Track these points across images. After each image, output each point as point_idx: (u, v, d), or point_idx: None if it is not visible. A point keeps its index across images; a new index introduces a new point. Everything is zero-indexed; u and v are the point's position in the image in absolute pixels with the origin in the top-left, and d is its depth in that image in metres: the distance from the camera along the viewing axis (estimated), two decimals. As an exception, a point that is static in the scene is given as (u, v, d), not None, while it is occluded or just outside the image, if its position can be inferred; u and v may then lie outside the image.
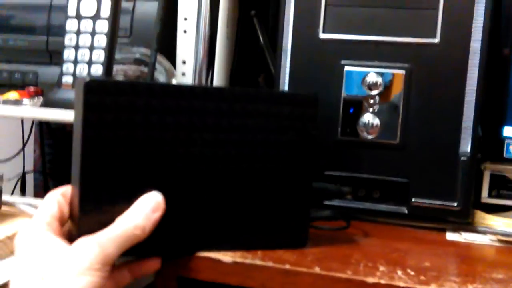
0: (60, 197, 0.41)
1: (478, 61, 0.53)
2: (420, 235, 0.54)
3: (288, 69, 0.57)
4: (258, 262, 0.43)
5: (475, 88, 0.53)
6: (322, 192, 0.54)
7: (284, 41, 0.57)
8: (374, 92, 0.55)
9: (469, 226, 0.56)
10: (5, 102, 0.56)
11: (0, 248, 0.46)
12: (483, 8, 0.53)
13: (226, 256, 0.44)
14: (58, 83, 0.52)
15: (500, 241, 0.53)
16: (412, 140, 0.55)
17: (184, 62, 0.67)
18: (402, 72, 0.55)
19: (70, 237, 0.40)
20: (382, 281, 0.41)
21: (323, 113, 0.54)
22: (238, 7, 0.71)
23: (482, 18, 0.53)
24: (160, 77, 0.62)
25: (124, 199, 0.40)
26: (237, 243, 0.45)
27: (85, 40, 0.51)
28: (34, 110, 0.53)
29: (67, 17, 0.52)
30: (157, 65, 0.61)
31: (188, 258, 0.44)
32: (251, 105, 0.44)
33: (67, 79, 0.51)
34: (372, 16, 0.55)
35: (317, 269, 0.42)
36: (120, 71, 0.60)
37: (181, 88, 0.44)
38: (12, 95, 0.57)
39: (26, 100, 0.56)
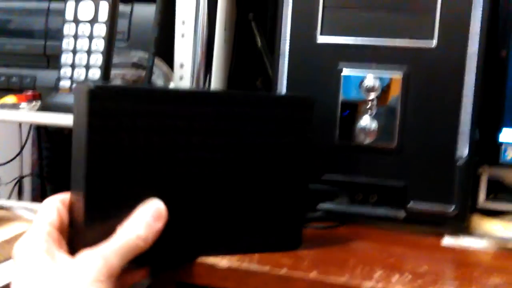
0: (60, 204, 0.41)
1: (475, 65, 0.53)
2: (417, 240, 0.54)
3: (285, 72, 0.57)
4: (255, 266, 0.43)
5: (472, 92, 0.53)
6: (316, 193, 0.54)
7: (282, 45, 0.57)
8: (372, 96, 0.55)
9: (466, 230, 0.56)
10: (3, 106, 0.56)
11: (-3, 252, 0.46)
12: (480, 12, 0.53)
13: (223, 261, 0.44)
14: (56, 87, 0.52)
15: (497, 245, 0.53)
16: (409, 144, 0.55)
17: (182, 66, 0.67)
18: (399, 75, 0.55)
19: (71, 246, 0.40)
20: (379, 286, 0.41)
21: (321, 117, 0.55)
22: (236, 10, 0.71)
23: (480, 22, 0.53)
24: (158, 80, 0.62)
25: (128, 206, 0.40)
26: (234, 247, 0.45)
27: (82, 44, 0.51)
28: (31, 114, 0.53)
29: (64, 21, 0.52)
30: (155, 69, 0.61)
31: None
32: (249, 109, 0.45)
33: (65, 83, 0.51)
34: (370, 19, 0.55)
35: (314, 274, 0.42)
36: (118, 75, 0.60)
37: (181, 92, 0.44)
38: (10, 99, 0.57)
39: (23, 104, 0.56)
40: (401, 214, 0.56)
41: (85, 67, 0.51)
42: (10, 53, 0.72)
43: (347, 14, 0.56)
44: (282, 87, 0.57)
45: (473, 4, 0.53)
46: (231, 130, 0.44)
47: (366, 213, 0.57)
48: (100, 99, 0.38)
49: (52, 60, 0.69)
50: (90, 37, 0.51)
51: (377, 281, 0.41)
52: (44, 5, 0.70)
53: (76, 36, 0.51)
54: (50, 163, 0.91)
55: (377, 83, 0.55)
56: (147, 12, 0.66)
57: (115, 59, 0.58)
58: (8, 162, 0.84)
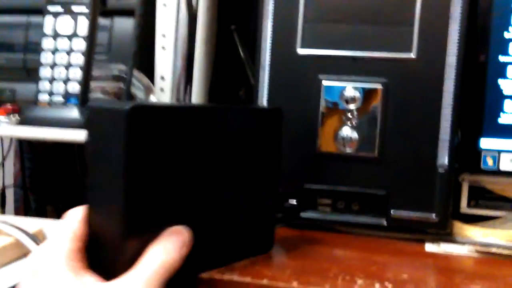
0: (82, 218, 0.38)
1: (454, 74, 0.54)
2: (399, 247, 0.54)
3: (267, 84, 0.58)
4: (236, 278, 0.43)
5: (451, 101, 0.54)
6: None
7: (263, 57, 0.58)
8: (352, 106, 0.56)
9: (448, 237, 0.56)
10: (-18, 120, 0.55)
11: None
12: (458, 23, 0.53)
13: (203, 273, 0.44)
14: (35, 101, 0.52)
15: (478, 251, 0.53)
16: (390, 153, 0.55)
17: (162, 78, 0.67)
18: (379, 86, 0.55)
19: (95, 264, 0.37)
20: (360, 295, 0.41)
21: (302, 127, 0.55)
22: (217, 22, 0.71)
23: (458, 33, 0.53)
24: (139, 93, 0.62)
25: (161, 226, 0.39)
26: (217, 261, 0.45)
27: (61, 58, 0.51)
28: (10, 128, 0.53)
29: (43, 35, 0.52)
30: (135, 82, 0.61)
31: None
32: (236, 123, 0.45)
33: (44, 97, 0.51)
34: (349, 32, 0.56)
35: (295, 284, 0.42)
36: (98, 88, 0.60)
37: (206, 108, 0.45)
38: (-11, 112, 0.57)
39: (2, 118, 0.56)
40: (383, 222, 0.56)
41: (64, 81, 0.51)
42: (-10, 67, 0.72)
43: (327, 27, 0.56)
44: (263, 99, 0.58)
45: (450, 15, 0.54)
46: (221, 144, 0.44)
47: (348, 221, 0.57)
48: (139, 119, 0.37)
49: (32, 73, 0.69)
50: (69, 51, 0.51)
51: (358, 291, 0.42)
52: (24, 19, 0.70)
53: (55, 51, 0.51)
54: (32, 173, 0.90)
55: (357, 94, 0.56)
56: (127, 25, 0.66)
57: (96, 72, 0.58)
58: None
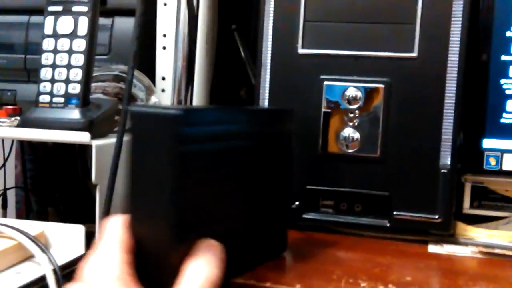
0: (128, 229, 0.36)
1: (456, 74, 0.53)
2: (402, 248, 0.54)
3: (268, 84, 0.57)
4: (240, 280, 0.43)
5: (453, 100, 0.54)
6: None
7: (264, 56, 0.57)
8: (354, 106, 0.55)
9: (451, 238, 0.56)
10: (-18, 121, 0.55)
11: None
12: (460, 22, 0.53)
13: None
14: (36, 102, 0.51)
15: (481, 252, 0.53)
16: (392, 154, 0.55)
17: (163, 78, 0.67)
18: (381, 86, 0.55)
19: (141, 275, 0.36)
20: (363, 298, 0.41)
21: (304, 127, 0.55)
22: (218, 21, 0.71)
23: (459, 32, 0.53)
24: (140, 93, 0.62)
25: (200, 236, 0.37)
26: (242, 268, 0.44)
27: (62, 58, 0.51)
28: (11, 130, 0.53)
29: (43, 36, 0.51)
30: (136, 82, 0.61)
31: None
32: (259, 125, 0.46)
33: (44, 98, 0.51)
34: (351, 31, 0.56)
35: (298, 287, 0.42)
36: (99, 88, 0.59)
37: (243, 110, 0.45)
38: (-10, 114, 0.56)
39: (4, 119, 0.55)
40: (386, 223, 0.56)
41: (65, 81, 0.50)
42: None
43: (328, 27, 0.56)
44: (264, 99, 0.57)
45: (452, 14, 0.53)
46: (249, 146, 0.44)
47: (351, 223, 0.57)
48: (186, 124, 0.36)
49: (32, 74, 0.69)
50: (70, 52, 0.50)
51: (361, 293, 0.41)
52: (24, 19, 0.70)
53: (55, 51, 0.51)
54: (34, 175, 0.90)
55: (359, 94, 0.55)
56: (128, 25, 0.66)
57: (96, 72, 0.58)
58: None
